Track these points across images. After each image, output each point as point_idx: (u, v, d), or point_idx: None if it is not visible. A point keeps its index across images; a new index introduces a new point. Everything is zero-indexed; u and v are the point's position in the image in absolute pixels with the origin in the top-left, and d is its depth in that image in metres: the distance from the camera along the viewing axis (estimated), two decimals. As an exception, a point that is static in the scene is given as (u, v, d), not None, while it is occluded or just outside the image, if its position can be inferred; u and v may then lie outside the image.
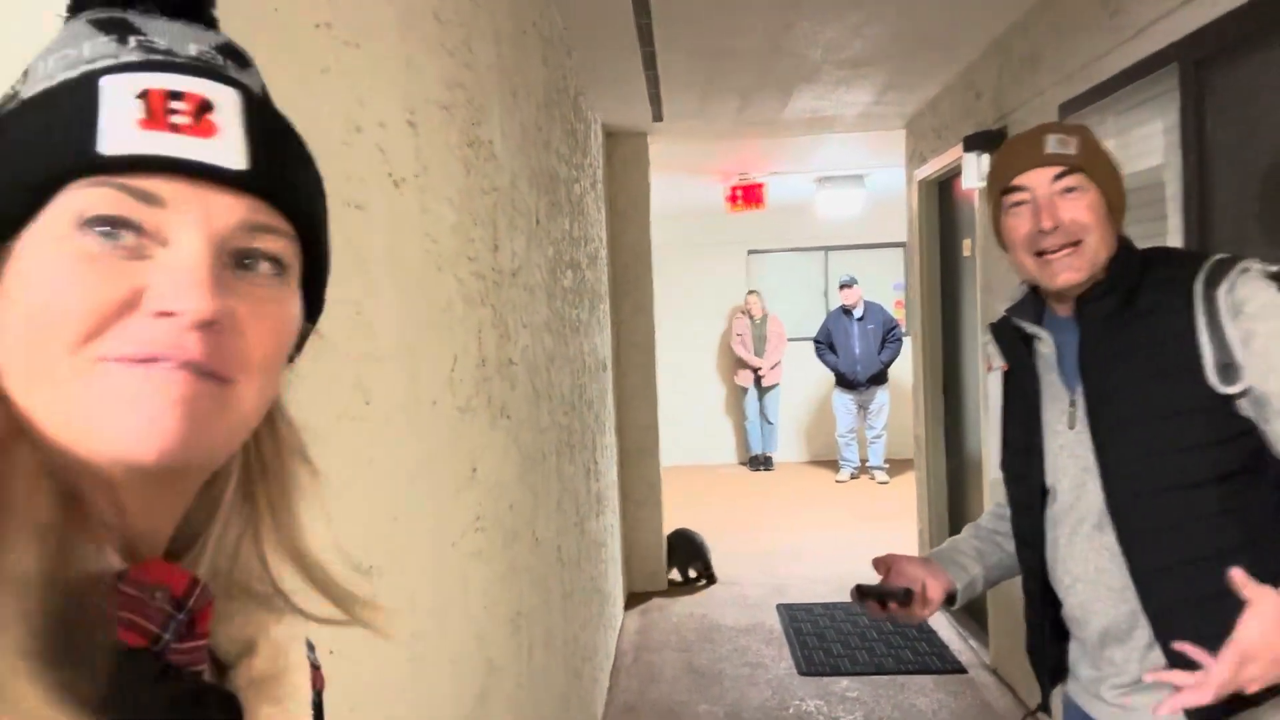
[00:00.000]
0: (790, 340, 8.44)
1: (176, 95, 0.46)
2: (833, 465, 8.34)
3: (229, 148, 0.47)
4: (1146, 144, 2.52)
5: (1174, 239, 2.39)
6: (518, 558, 1.95)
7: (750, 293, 8.48)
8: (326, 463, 0.96)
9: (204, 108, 0.47)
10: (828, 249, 8.85)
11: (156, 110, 0.46)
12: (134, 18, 0.49)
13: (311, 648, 0.61)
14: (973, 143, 3.63)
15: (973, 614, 4.10)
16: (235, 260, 0.47)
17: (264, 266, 0.48)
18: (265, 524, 0.56)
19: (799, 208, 7.87)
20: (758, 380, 8.40)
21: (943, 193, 4.73)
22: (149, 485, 0.49)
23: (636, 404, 5.02)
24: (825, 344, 7.69)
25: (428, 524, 1.32)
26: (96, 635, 0.43)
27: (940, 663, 3.80)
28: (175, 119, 0.46)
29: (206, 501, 0.56)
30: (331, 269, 0.57)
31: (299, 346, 0.57)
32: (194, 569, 0.55)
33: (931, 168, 4.58)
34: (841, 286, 7.65)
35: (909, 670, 3.78)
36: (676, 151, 5.64)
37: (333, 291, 1.00)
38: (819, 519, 6.59)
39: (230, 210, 0.47)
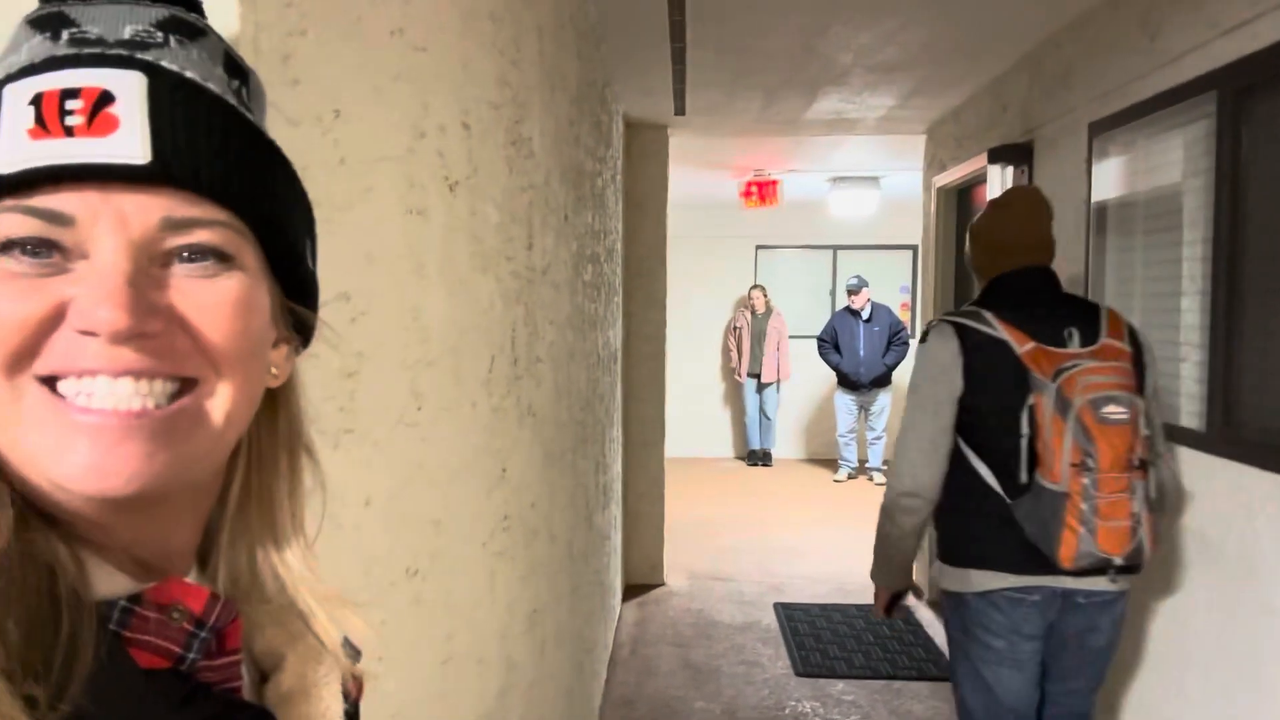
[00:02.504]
0: (794, 338, 8.44)
1: (72, 94, 0.43)
2: (831, 464, 8.36)
3: (128, 142, 0.43)
4: (1174, 167, 2.52)
5: (1190, 253, 2.39)
6: (537, 555, 1.96)
7: (755, 287, 8.47)
8: (383, 469, 0.97)
9: (102, 101, 0.43)
10: (837, 248, 8.84)
11: (49, 115, 0.43)
12: (70, 9, 0.46)
13: (356, 653, 0.59)
14: (998, 155, 3.62)
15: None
16: (171, 257, 0.45)
17: (206, 258, 0.46)
18: (260, 524, 0.55)
19: (811, 206, 7.86)
20: (756, 375, 8.41)
21: (960, 201, 4.72)
22: (131, 509, 0.46)
23: (643, 396, 5.03)
24: (830, 343, 7.69)
25: (464, 525, 1.32)
26: (89, 661, 0.41)
27: (936, 669, 3.83)
28: (69, 120, 0.43)
29: (224, 502, 0.55)
30: (313, 261, 0.54)
31: (305, 336, 0.56)
32: (215, 577, 0.55)
33: (951, 175, 4.57)
34: (850, 292, 7.64)
35: (905, 675, 3.80)
36: (694, 145, 5.62)
37: (396, 299, 1.01)
38: (816, 518, 6.61)
39: (144, 210, 0.44)
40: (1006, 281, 2.11)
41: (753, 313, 8.38)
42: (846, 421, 7.85)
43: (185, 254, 0.45)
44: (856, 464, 8.03)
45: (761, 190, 7.04)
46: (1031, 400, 1.93)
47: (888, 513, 2.11)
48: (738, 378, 8.56)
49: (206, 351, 0.46)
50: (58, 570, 0.43)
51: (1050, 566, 1.93)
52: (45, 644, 0.41)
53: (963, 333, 2.03)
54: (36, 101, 0.43)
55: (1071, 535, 1.87)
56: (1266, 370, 2.11)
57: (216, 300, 0.46)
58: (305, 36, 0.76)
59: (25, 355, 0.43)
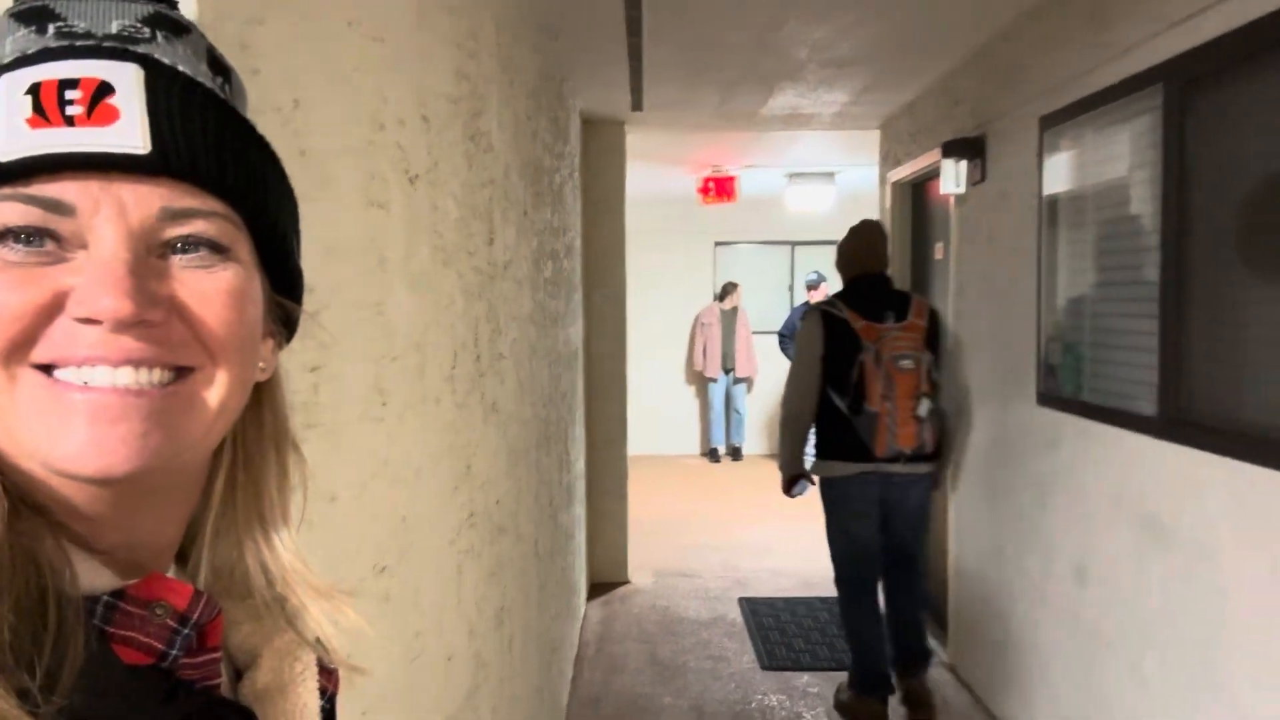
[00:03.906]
0: (754, 334, 8.49)
1: (71, 84, 0.43)
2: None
3: (129, 131, 0.44)
4: (1123, 159, 2.57)
5: (1139, 244, 2.45)
6: (503, 552, 1.95)
7: (731, 282, 8.50)
8: (349, 465, 0.95)
9: (102, 92, 0.44)
10: (794, 244, 8.90)
11: (48, 104, 0.43)
12: (55, 3, 0.46)
13: (328, 650, 0.59)
14: (952, 149, 3.67)
15: (932, 615, 4.18)
16: (168, 248, 0.46)
17: (201, 248, 0.46)
18: (246, 518, 0.55)
19: (768, 201, 7.91)
20: (729, 371, 8.45)
21: (915, 195, 4.78)
22: (122, 498, 0.47)
23: (605, 394, 5.02)
24: (790, 338, 7.75)
25: (431, 522, 1.31)
26: (80, 654, 0.41)
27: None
28: (70, 110, 0.43)
29: (207, 499, 0.55)
30: (299, 256, 0.55)
31: (290, 329, 0.56)
32: (196, 573, 0.55)
33: (905, 170, 4.63)
34: (809, 287, 7.71)
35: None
36: (650, 141, 5.63)
37: (357, 293, 0.99)
38: (779, 513, 6.66)
39: (144, 199, 0.44)
40: (854, 283, 3.33)
41: (723, 308, 8.42)
42: (807, 416, 7.91)
43: (182, 244, 0.46)
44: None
45: (719, 186, 7.07)
46: (861, 357, 3.15)
47: (783, 428, 3.41)
48: (707, 374, 8.59)
49: (204, 341, 0.46)
50: (44, 564, 0.43)
51: (875, 458, 3.15)
52: (34, 638, 0.41)
53: (824, 315, 3.25)
54: (34, 91, 0.43)
55: (882, 437, 3.14)
56: (1215, 358, 2.16)
57: (215, 290, 0.47)
58: (264, 25, 0.74)
59: (23, 344, 0.43)
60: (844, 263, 3.39)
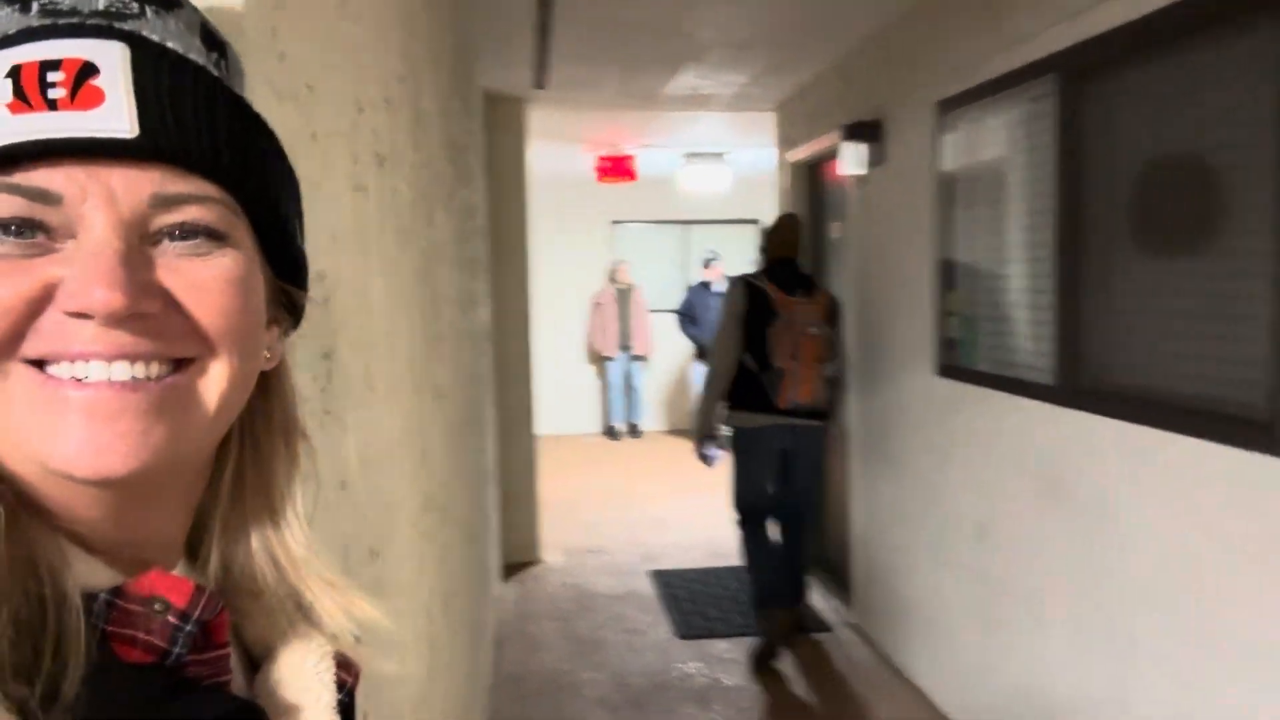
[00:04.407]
0: (651, 312, 8.58)
1: (53, 65, 0.41)
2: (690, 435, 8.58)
3: (115, 115, 0.42)
4: (1017, 143, 2.74)
5: (1034, 223, 2.62)
6: (448, 536, 1.95)
7: (620, 261, 8.55)
8: (352, 450, 0.95)
9: (85, 73, 0.42)
10: (690, 222, 9.01)
11: (29, 88, 0.41)
12: None
13: (354, 639, 0.57)
14: (851, 132, 3.81)
15: (836, 578, 4.36)
16: (162, 235, 0.44)
17: (197, 235, 0.45)
18: (256, 512, 0.54)
19: (664, 181, 7.98)
20: (627, 349, 8.51)
21: (811, 175, 4.93)
22: (123, 496, 0.45)
23: (513, 374, 5.00)
24: (688, 316, 7.87)
25: (404, 507, 1.31)
26: (81, 661, 0.40)
27: (809, 623, 4.03)
28: (52, 93, 0.41)
29: (215, 491, 0.53)
30: (302, 239, 0.53)
31: (296, 316, 0.54)
32: (206, 569, 0.53)
33: (802, 151, 4.76)
34: (704, 265, 7.84)
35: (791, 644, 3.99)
36: (549, 119, 5.60)
37: (350, 277, 0.98)
38: (683, 487, 6.78)
39: (134, 186, 0.42)
40: (773, 263, 3.77)
41: (618, 287, 8.46)
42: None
43: (176, 232, 0.44)
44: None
45: (616, 166, 7.10)
46: (775, 323, 3.59)
47: (706, 385, 3.78)
48: (605, 353, 8.62)
49: (202, 331, 0.45)
50: (44, 569, 0.42)
51: (779, 411, 3.61)
52: (34, 647, 0.39)
53: (747, 285, 3.69)
54: (14, 74, 0.41)
55: (786, 392, 3.59)
56: (1105, 328, 2.34)
57: (212, 279, 0.45)
58: (284, 10, 0.73)
59: (12, 339, 0.41)
60: (766, 246, 3.86)
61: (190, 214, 0.44)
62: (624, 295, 8.47)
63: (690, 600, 4.38)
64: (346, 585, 0.56)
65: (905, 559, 3.54)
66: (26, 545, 0.42)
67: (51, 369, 0.42)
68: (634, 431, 8.72)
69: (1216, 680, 1.95)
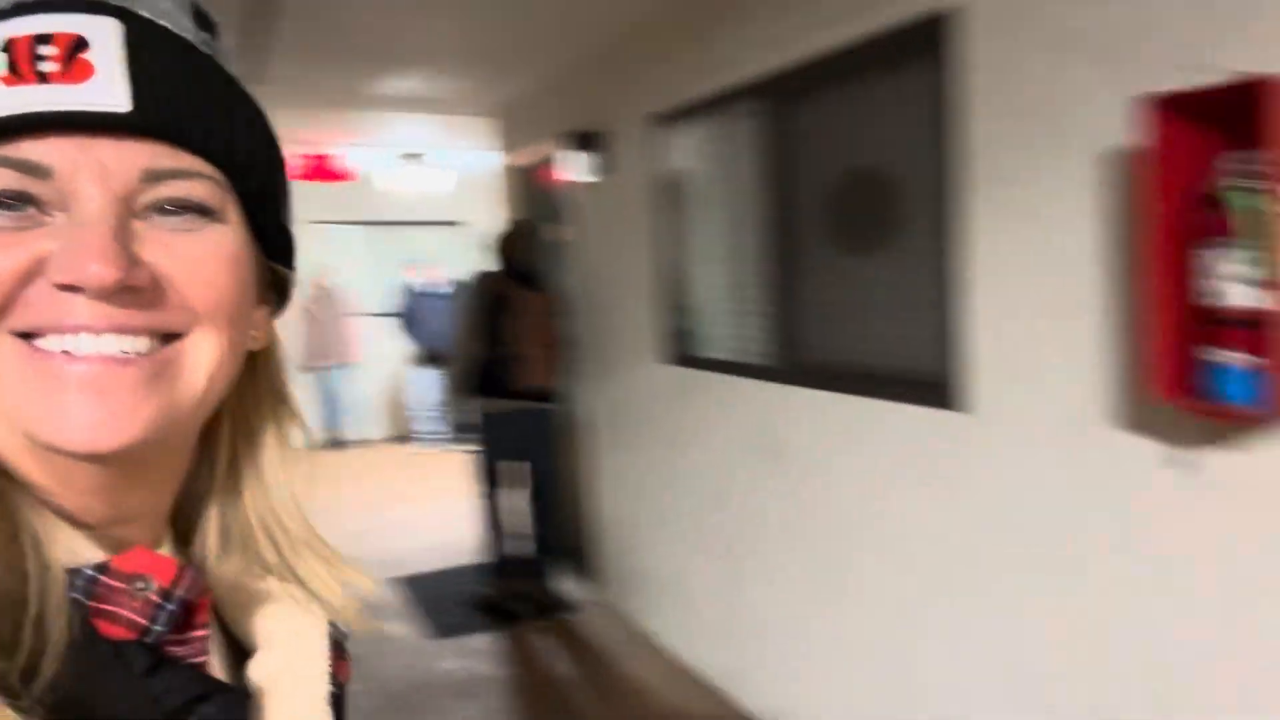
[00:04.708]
0: (363, 316, 8.32)
1: (45, 39, 0.42)
2: (409, 440, 8.46)
3: (107, 89, 0.42)
4: (727, 157, 3.10)
5: (747, 227, 3.00)
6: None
7: (324, 265, 8.19)
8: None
9: (77, 47, 0.42)
10: (395, 223, 8.85)
11: (21, 61, 0.41)
12: None
13: (343, 635, 0.59)
14: (572, 140, 4.04)
15: (587, 561, 4.61)
16: (152, 210, 0.44)
17: (188, 211, 0.45)
18: (251, 492, 0.55)
19: (376, 183, 7.81)
20: (330, 358, 8.14)
21: (533, 180, 5.12)
22: (111, 471, 0.45)
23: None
24: (410, 319, 7.76)
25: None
26: (63, 637, 0.40)
27: (555, 602, 4.25)
28: (44, 66, 0.41)
29: (207, 470, 0.54)
30: (291, 220, 0.54)
31: (282, 296, 0.55)
32: (202, 551, 0.54)
33: (524, 156, 4.94)
34: (416, 269, 7.75)
35: (529, 617, 4.16)
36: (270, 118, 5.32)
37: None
38: (415, 494, 6.73)
39: (126, 159, 0.43)
40: (508, 262, 4.10)
41: (325, 292, 8.09)
42: (422, 395, 7.97)
43: (166, 207, 0.44)
44: (437, 435, 8.18)
45: (320, 166, 6.86)
46: (510, 317, 3.96)
47: (452, 376, 4.19)
48: (313, 362, 8.21)
49: (191, 306, 0.45)
50: (27, 543, 0.42)
51: (513, 394, 4.01)
52: (14, 615, 0.40)
53: (489, 279, 4.07)
54: (8, 47, 0.42)
55: (519, 377, 4.01)
56: (812, 315, 2.75)
57: (202, 254, 0.45)
58: None
59: (0, 311, 0.42)
60: (502, 247, 4.20)
61: (181, 189, 0.45)
62: (324, 301, 8.04)
63: (435, 601, 4.42)
64: (345, 560, 0.58)
65: (651, 534, 3.84)
66: (10, 518, 0.42)
67: (40, 342, 0.42)
68: (339, 444, 8.11)
69: (917, 596, 2.39)
